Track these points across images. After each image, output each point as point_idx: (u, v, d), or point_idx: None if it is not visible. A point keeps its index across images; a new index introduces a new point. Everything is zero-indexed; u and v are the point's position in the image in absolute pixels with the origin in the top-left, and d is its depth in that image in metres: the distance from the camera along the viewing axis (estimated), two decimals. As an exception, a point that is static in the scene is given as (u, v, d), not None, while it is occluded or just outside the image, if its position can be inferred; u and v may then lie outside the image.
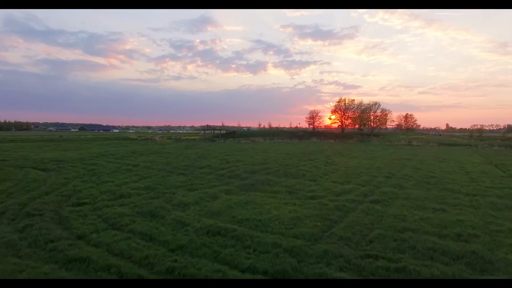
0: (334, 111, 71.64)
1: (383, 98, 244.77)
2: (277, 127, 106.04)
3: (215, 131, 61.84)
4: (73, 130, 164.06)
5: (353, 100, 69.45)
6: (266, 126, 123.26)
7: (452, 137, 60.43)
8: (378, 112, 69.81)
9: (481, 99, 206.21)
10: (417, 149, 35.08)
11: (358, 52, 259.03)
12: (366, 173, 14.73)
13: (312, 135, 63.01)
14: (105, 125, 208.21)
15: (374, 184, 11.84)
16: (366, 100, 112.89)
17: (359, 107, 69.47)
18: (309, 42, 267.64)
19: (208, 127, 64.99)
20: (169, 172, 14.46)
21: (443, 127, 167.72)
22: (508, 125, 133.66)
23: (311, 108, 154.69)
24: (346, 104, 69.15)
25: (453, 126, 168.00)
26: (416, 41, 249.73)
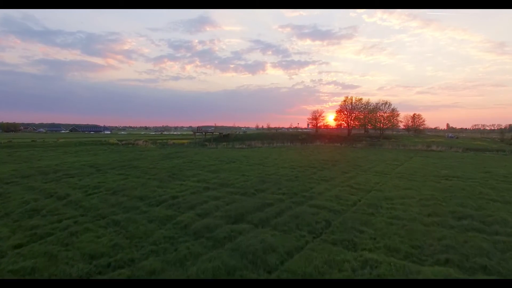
0: (339, 111, 65.70)
1: (382, 98, 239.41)
2: (276, 128, 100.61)
3: (207, 134, 55.38)
4: (63, 131, 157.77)
5: (361, 99, 63.55)
6: (265, 126, 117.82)
7: (474, 140, 54.46)
8: (388, 112, 63.77)
9: (479, 99, 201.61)
10: (448, 158, 29.02)
11: (356, 52, 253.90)
12: (427, 215, 8.81)
13: (316, 137, 57.23)
14: (102, 125, 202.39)
15: (475, 261, 5.90)
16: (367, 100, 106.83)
17: (367, 106, 63.55)
18: (308, 42, 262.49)
19: (198, 129, 58.34)
20: (99, 217, 8.54)
21: (442, 127, 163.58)
22: (510, 125, 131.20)
23: (310, 108, 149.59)
24: (353, 103, 63.19)
25: (453, 126, 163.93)
26: (414, 41, 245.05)
